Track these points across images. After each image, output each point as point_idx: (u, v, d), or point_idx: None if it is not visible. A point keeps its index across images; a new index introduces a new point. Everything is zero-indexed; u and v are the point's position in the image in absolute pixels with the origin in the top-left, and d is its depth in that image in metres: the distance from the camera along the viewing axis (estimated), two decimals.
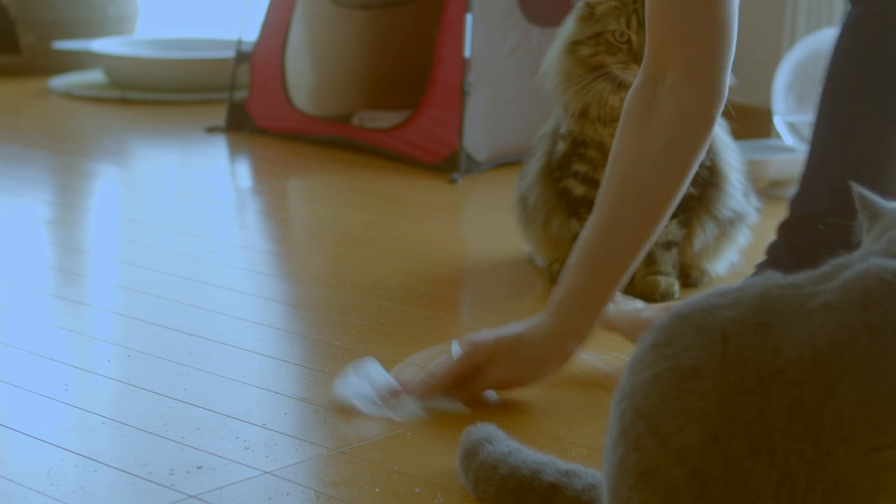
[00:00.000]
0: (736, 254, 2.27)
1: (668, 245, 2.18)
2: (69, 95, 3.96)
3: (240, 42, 3.49)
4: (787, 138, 3.09)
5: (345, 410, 1.64)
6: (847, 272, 1.06)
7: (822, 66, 1.91)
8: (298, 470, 1.49)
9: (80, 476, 1.46)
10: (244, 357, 1.87)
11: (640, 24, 2.02)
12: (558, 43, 2.15)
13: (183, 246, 2.46)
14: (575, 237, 2.19)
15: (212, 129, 3.49)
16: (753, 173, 2.36)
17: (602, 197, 1.67)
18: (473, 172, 3.03)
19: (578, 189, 2.18)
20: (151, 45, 4.20)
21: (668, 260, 2.18)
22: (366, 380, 1.67)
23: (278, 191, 3.07)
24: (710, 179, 2.18)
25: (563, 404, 1.69)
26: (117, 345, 1.93)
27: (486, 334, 1.67)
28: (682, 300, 1.12)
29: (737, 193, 2.22)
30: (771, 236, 1.95)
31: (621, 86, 2.08)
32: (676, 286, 2.17)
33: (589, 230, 1.67)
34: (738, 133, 2.31)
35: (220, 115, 3.55)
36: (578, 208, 2.18)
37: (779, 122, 3.11)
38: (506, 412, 1.65)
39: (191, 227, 2.61)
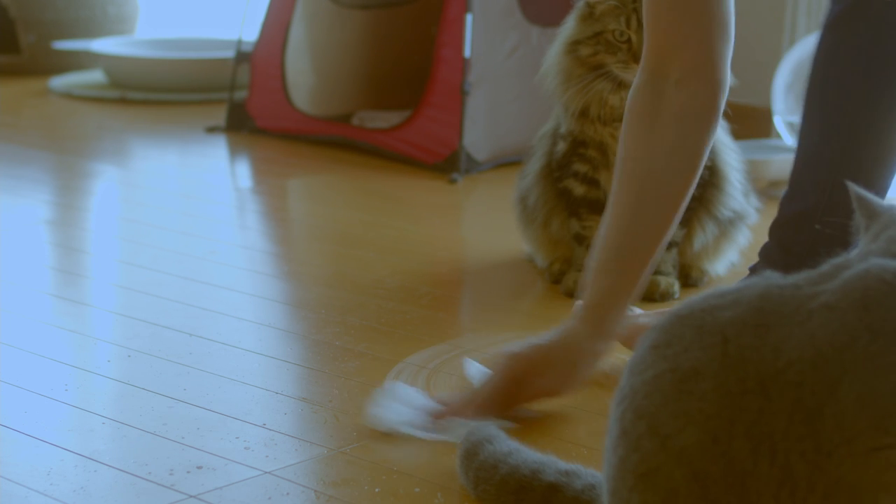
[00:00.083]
0: (736, 254, 2.27)
1: (668, 245, 2.18)
2: (69, 95, 3.96)
3: (240, 42, 3.49)
4: (787, 138, 3.09)
5: (390, 436, 1.58)
6: (847, 272, 1.06)
7: None
8: (298, 470, 1.49)
9: (80, 476, 1.46)
10: (244, 357, 1.87)
11: (640, 24, 2.02)
12: (558, 43, 2.15)
13: (183, 246, 2.46)
14: (575, 237, 2.19)
15: (212, 129, 3.49)
16: (753, 173, 2.36)
17: (618, 198, 1.66)
18: (473, 172, 3.03)
19: (578, 189, 2.18)
20: (151, 45, 4.20)
21: (668, 260, 2.18)
22: (402, 403, 1.61)
23: (278, 191, 3.07)
24: (710, 179, 2.18)
25: (564, 404, 1.69)
26: (117, 345, 1.93)
27: (519, 346, 1.63)
28: (682, 301, 1.12)
29: (737, 193, 2.22)
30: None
31: (621, 85, 2.08)
32: (676, 286, 2.17)
33: (609, 232, 1.66)
34: (738, 133, 2.31)
35: (220, 115, 3.55)
36: (578, 208, 2.18)
37: (779, 122, 3.11)
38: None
39: (191, 227, 2.61)
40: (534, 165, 2.25)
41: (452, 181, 2.96)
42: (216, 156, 3.32)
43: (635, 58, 2.04)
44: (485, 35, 3.05)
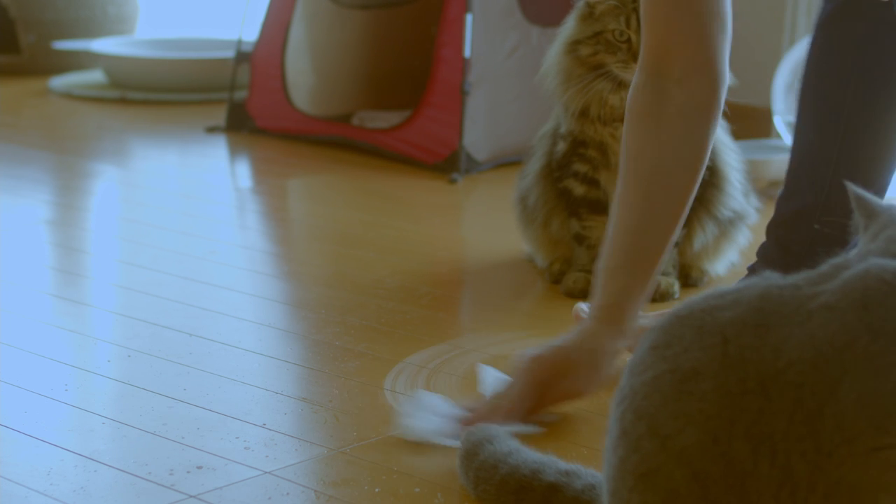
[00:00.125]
0: (736, 254, 2.27)
1: None
2: (69, 95, 3.96)
3: (240, 42, 3.49)
4: (787, 138, 3.09)
5: (422, 445, 1.56)
6: (846, 272, 1.06)
7: None
8: (298, 470, 1.49)
9: (80, 476, 1.46)
10: (244, 357, 1.87)
11: (640, 23, 2.02)
12: (558, 43, 2.15)
13: (183, 246, 2.46)
14: (575, 237, 2.19)
15: (212, 129, 3.49)
16: (753, 173, 2.36)
17: (626, 198, 1.66)
18: (473, 172, 3.03)
19: (578, 189, 2.18)
20: (151, 45, 4.20)
21: (668, 260, 2.18)
22: (430, 412, 1.58)
23: (278, 191, 3.07)
24: (710, 179, 2.18)
25: (563, 404, 1.69)
26: (117, 345, 1.93)
27: (539, 350, 1.62)
28: (681, 302, 1.12)
29: (737, 193, 2.22)
30: None
31: (621, 85, 2.07)
32: (676, 286, 2.17)
33: (619, 232, 1.66)
34: (738, 133, 2.31)
35: (220, 115, 3.55)
36: (578, 208, 2.18)
37: (779, 122, 3.11)
38: None
39: (191, 227, 2.61)
40: (534, 165, 2.25)
41: (452, 181, 2.96)
42: (216, 156, 3.32)
43: (635, 57, 2.04)
44: (485, 35, 3.05)
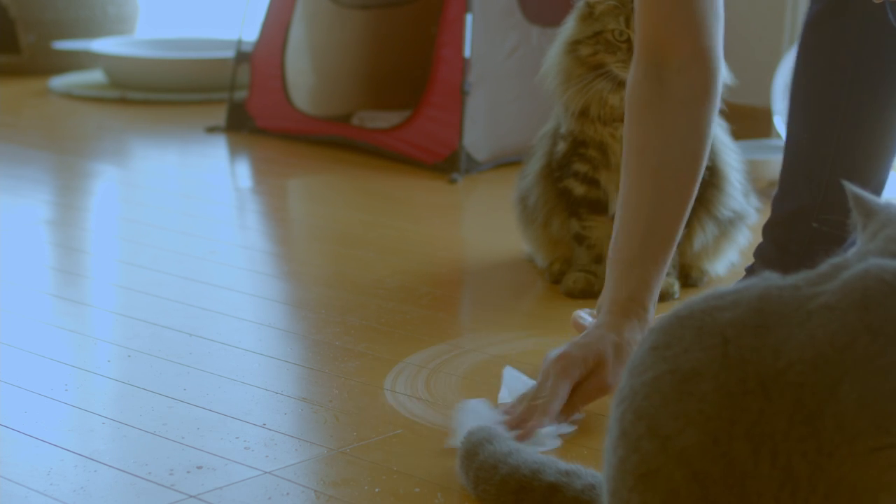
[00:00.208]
0: (736, 254, 2.27)
1: None
2: (69, 95, 3.96)
3: (240, 42, 3.49)
4: None
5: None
6: (846, 273, 1.06)
7: None
8: (298, 470, 1.49)
9: (80, 476, 1.46)
10: (244, 357, 1.87)
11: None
12: (558, 43, 2.15)
13: (183, 246, 2.46)
14: (575, 237, 2.19)
15: (212, 129, 3.49)
16: (753, 173, 2.36)
17: (635, 190, 1.67)
18: (473, 172, 3.03)
19: (579, 189, 2.18)
20: (151, 45, 4.20)
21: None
22: (479, 419, 1.54)
23: (278, 191, 3.07)
24: (710, 179, 2.18)
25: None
26: (117, 345, 1.93)
27: (566, 349, 1.60)
28: (681, 302, 1.12)
29: (737, 193, 2.22)
30: None
31: (621, 85, 2.07)
32: (676, 286, 2.17)
33: (630, 224, 1.66)
34: (738, 133, 2.31)
35: (220, 115, 3.55)
36: (579, 208, 2.18)
37: (779, 122, 3.11)
38: None
39: (191, 227, 2.61)
40: (534, 165, 2.25)
41: (452, 181, 2.96)
42: (216, 156, 3.32)
43: None
44: (485, 35, 3.05)
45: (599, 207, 2.17)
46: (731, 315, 1.06)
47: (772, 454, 1.02)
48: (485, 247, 2.49)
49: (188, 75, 3.93)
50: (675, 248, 1.68)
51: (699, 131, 1.68)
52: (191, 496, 1.42)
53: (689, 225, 2.18)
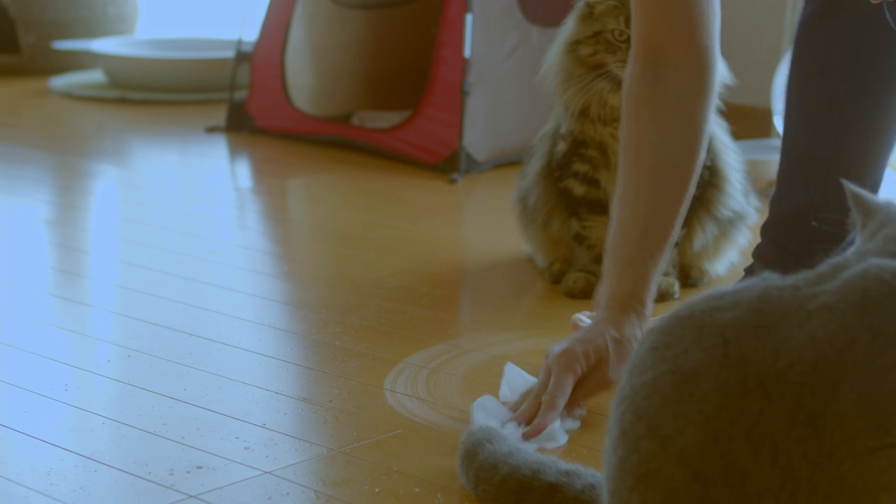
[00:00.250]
0: (736, 254, 2.27)
1: None
2: (69, 95, 3.96)
3: (240, 42, 3.49)
4: None
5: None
6: (846, 273, 1.06)
7: None
8: (298, 470, 1.49)
9: (80, 476, 1.46)
10: (244, 357, 1.87)
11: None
12: (558, 43, 2.15)
13: (183, 246, 2.46)
14: (575, 237, 2.19)
15: (212, 129, 3.49)
16: (753, 173, 2.36)
17: (633, 186, 1.68)
18: (473, 172, 3.03)
19: (579, 189, 2.18)
20: (151, 45, 4.20)
21: (668, 260, 2.18)
22: (492, 416, 1.57)
23: (278, 191, 3.07)
24: (710, 179, 2.18)
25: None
26: (117, 345, 1.93)
27: (568, 345, 1.62)
28: (681, 302, 1.12)
29: (737, 194, 2.22)
30: None
31: (621, 85, 2.07)
32: (676, 286, 2.17)
33: (628, 220, 1.68)
34: (738, 133, 2.31)
35: (220, 115, 3.55)
36: (579, 208, 2.18)
37: (779, 122, 3.11)
38: None
39: (191, 227, 2.61)
40: (534, 165, 2.25)
41: (452, 181, 2.96)
42: (216, 156, 3.32)
43: None
44: (485, 35, 3.05)
45: (599, 207, 2.17)
46: (731, 315, 1.06)
47: (772, 454, 1.02)
48: (485, 247, 2.49)
49: (188, 75, 3.93)
50: (672, 243, 1.69)
51: (696, 127, 1.69)
52: (191, 496, 1.42)
53: (689, 225, 2.19)
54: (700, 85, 1.69)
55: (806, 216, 1.87)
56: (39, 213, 2.76)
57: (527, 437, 1.53)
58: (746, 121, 2.52)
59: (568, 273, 2.19)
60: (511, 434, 1.51)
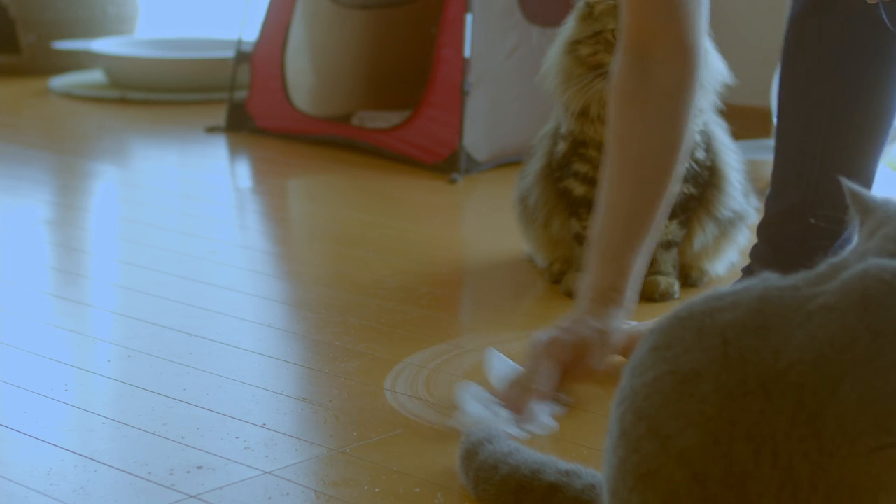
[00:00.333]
0: (736, 254, 2.27)
1: (668, 245, 2.18)
2: (69, 95, 3.96)
3: (240, 42, 3.49)
4: None
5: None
6: (845, 273, 1.06)
7: None
8: (298, 470, 1.49)
9: (80, 476, 1.46)
10: (244, 357, 1.87)
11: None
12: (558, 43, 2.15)
13: (183, 246, 2.46)
14: (575, 237, 2.19)
15: (212, 129, 3.49)
16: (753, 173, 2.36)
17: (617, 180, 1.72)
18: (473, 172, 3.03)
19: (579, 189, 2.18)
20: (151, 45, 4.20)
21: (668, 260, 2.18)
22: (478, 402, 1.60)
23: (278, 191, 3.07)
24: (710, 180, 2.18)
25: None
26: (117, 345, 1.93)
27: (554, 333, 1.66)
28: (681, 303, 1.13)
29: (737, 194, 2.22)
30: None
31: None
32: (676, 286, 2.17)
33: (611, 214, 1.72)
34: (738, 133, 2.31)
35: (220, 115, 3.55)
36: (579, 208, 2.18)
37: None
38: None
39: (191, 227, 2.61)
40: (534, 165, 2.25)
41: (452, 181, 2.96)
42: (216, 156, 3.32)
43: None
44: (485, 35, 3.05)
45: None
46: (731, 316, 1.06)
47: (772, 454, 1.02)
48: (485, 247, 2.49)
49: (188, 75, 3.93)
50: (655, 236, 1.73)
51: (680, 122, 1.72)
52: (191, 496, 1.42)
53: (689, 225, 2.19)
54: (685, 81, 1.72)
55: (801, 214, 1.88)
56: (39, 213, 2.76)
57: (515, 423, 1.56)
58: (746, 121, 2.52)
59: (568, 273, 2.19)
60: (499, 420, 1.55)
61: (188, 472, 1.47)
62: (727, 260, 2.26)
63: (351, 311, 2.05)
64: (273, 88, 3.38)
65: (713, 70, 2.11)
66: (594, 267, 1.71)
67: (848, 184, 1.20)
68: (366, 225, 2.63)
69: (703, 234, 2.20)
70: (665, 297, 2.14)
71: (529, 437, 1.54)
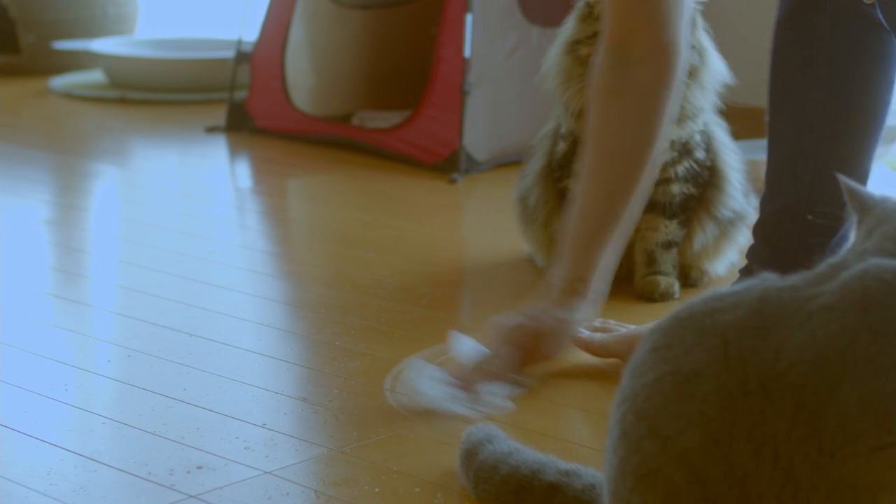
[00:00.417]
0: (736, 254, 2.27)
1: (668, 245, 2.18)
2: (69, 95, 3.96)
3: (240, 42, 3.49)
4: None
5: (427, 414, 1.63)
6: (845, 273, 1.06)
7: None
8: (298, 470, 1.49)
9: (80, 476, 1.46)
10: (244, 357, 1.87)
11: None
12: (558, 43, 2.15)
13: (183, 246, 2.46)
14: None
15: (212, 129, 3.49)
16: (753, 173, 2.36)
17: (593, 175, 1.78)
18: (473, 172, 3.03)
19: None
20: (151, 45, 4.20)
21: (668, 260, 2.18)
22: (431, 381, 1.66)
23: (278, 191, 3.07)
24: (709, 180, 2.18)
25: (563, 404, 1.69)
26: (117, 345, 1.93)
27: (517, 318, 1.74)
28: (681, 303, 1.13)
29: (737, 194, 2.22)
30: None
31: None
32: (676, 286, 2.17)
33: (585, 209, 1.77)
34: (738, 133, 2.31)
35: (220, 115, 3.55)
36: None
37: None
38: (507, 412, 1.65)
39: (191, 227, 2.61)
40: (534, 165, 2.25)
41: (452, 181, 2.96)
42: (216, 156, 3.32)
43: None
44: (485, 35, 3.05)
45: None
46: (731, 317, 1.06)
47: (773, 455, 1.02)
48: (485, 247, 2.49)
49: (188, 75, 3.93)
50: (627, 229, 1.79)
51: (655, 120, 1.76)
52: (191, 496, 1.42)
53: (689, 225, 2.19)
54: (664, 79, 1.76)
55: (796, 213, 1.88)
56: (39, 213, 2.76)
57: (470, 403, 1.63)
58: (746, 121, 2.51)
59: None
60: (454, 400, 1.62)
61: (188, 472, 1.47)
62: (727, 260, 2.26)
63: (351, 311, 2.05)
64: (273, 88, 3.38)
65: (713, 70, 2.11)
66: (565, 258, 1.78)
67: (845, 181, 1.20)
68: (366, 225, 2.63)
69: (703, 234, 2.20)
70: (665, 297, 2.14)
71: (482, 417, 1.59)
